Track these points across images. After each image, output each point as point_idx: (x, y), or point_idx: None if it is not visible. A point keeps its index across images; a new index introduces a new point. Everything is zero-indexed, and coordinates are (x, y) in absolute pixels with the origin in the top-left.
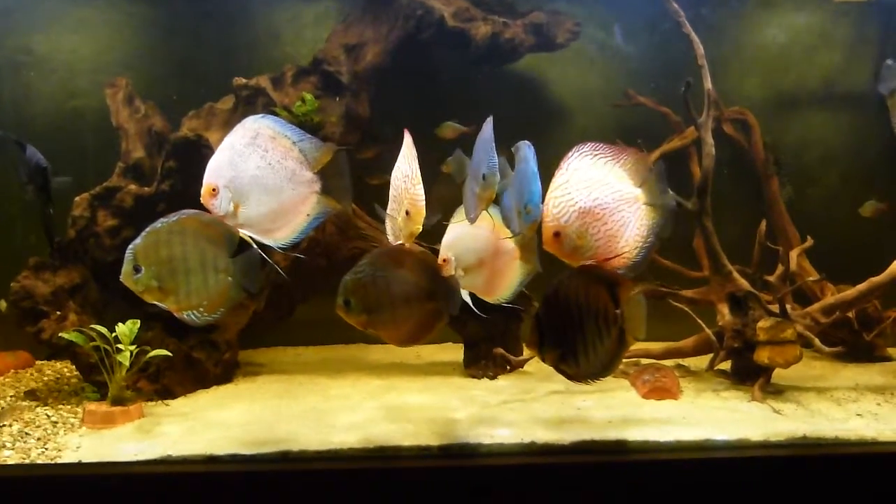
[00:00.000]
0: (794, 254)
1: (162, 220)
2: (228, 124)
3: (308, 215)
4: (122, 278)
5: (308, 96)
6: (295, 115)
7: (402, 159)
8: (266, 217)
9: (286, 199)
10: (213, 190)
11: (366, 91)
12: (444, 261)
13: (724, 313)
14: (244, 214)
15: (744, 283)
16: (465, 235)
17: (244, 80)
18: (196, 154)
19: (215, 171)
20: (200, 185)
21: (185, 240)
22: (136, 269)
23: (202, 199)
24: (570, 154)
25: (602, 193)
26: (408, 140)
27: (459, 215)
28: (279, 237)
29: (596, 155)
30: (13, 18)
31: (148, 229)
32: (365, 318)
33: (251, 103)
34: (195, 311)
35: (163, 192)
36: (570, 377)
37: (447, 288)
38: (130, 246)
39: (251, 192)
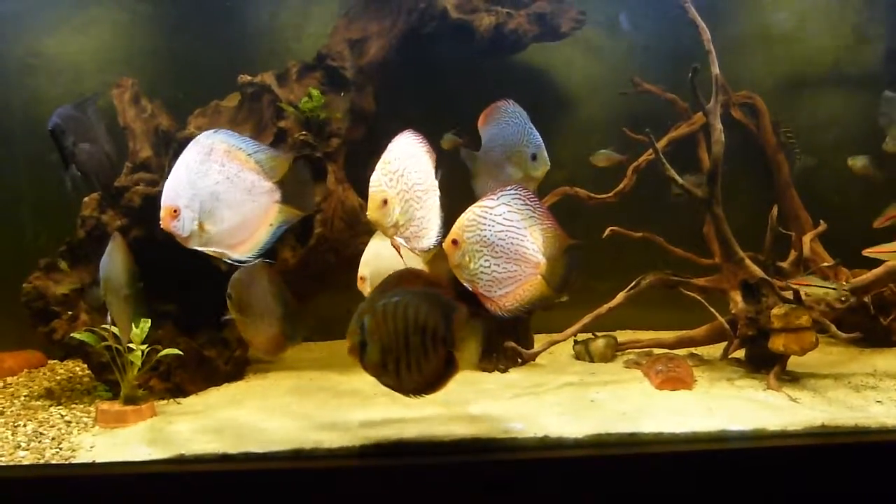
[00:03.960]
0: (807, 239)
1: None
2: (234, 122)
3: (271, 225)
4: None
5: (315, 92)
6: (301, 111)
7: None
8: (230, 232)
9: (248, 211)
10: (175, 212)
11: (371, 85)
12: (361, 278)
13: (737, 301)
14: (208, 232)
15: (756, 270)
16: (382, 254)
17: (249, 77)
18: None
19: (173, 192)
20: None
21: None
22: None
23: (162, 224)
24: (508, 188)
25: (511, 238)
26: None
27: (378, 235)
28: (243, 250)
29: (527, 205)
30: (21, 21)
31: None
32: (237, 316)
33: (256, 100)
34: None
35: None
36: (391, 388)
37: (292, 314)
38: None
39: (213, 209)
